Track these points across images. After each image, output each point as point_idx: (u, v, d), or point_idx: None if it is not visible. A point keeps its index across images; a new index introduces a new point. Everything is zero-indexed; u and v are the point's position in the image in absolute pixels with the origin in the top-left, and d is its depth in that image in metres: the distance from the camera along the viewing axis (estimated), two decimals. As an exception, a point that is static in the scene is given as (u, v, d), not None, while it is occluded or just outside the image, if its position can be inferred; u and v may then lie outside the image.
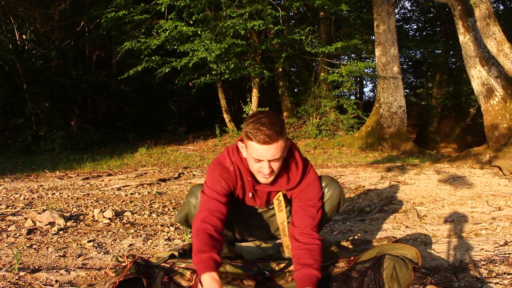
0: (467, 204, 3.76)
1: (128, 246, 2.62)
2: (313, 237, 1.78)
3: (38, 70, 11.73)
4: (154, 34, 9.90)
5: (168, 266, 1.90)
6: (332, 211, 2.00)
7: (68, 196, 4.44)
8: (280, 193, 1.88)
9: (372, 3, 10.54)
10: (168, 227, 3.12)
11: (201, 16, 9.44)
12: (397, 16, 14.81)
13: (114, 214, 3.44)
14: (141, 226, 3.18)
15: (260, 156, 1.67)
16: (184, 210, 2.04)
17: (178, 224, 3.22)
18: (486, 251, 2.36)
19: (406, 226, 3.05)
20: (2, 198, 4.30)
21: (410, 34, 17.04)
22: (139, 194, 4.52)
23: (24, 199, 4.25)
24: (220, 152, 1.93)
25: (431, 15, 16.54)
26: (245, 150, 1.76)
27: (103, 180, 5.65)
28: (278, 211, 1.91)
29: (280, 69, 12.41)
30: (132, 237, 2.82)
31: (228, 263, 1.90)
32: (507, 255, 2.24)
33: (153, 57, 10.21)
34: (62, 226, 3.09)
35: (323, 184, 1.95)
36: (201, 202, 1.81)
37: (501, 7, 15.32)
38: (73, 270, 2.10)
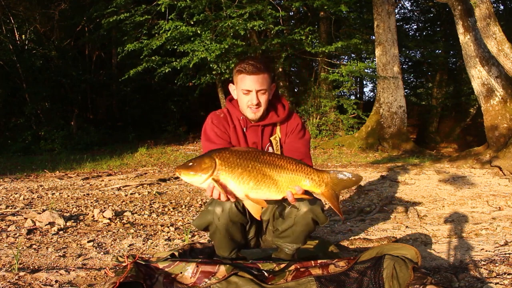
0: (467, 204, 3.76)
1: (128, 246, 2.62)
2: None
3: (38, 70, 11.71)
4: (156, 35, 9.89)
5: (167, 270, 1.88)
6: (308, 228, 1.99)
7: (68, 196, 4.44)
8: (276, 135, 2.07)
9: (372, 3, 10.53)
10: (168, 227, 3.12)
11: (202, 17, 9.43)
12: (397, 16, 14.77)
13: (114, 214, 3.44)
14: (141, 226, 3.18)
15: (249, 86, 1.88)
16: (206, 218, 1.97)
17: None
18: (486, 251, 2.36)
19: (406, 226, 3.05)
20: (2, 198, 4.30)
21: (410, 34, 17.02)
22: (139, 194, 4.52)
23: (24, 199, 4.25)
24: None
25: (431, 15, 16.52)
26: (235, 90, 1.98)
27: (103, 180, 5.65)
28: (276, 150, 2.07)
29: (280, 69, 12.38)
30: (132, 237, 2.81)
31: (228, 264, 1.90)
32: (507, 255, 2.24)
33: (153, 57, 10.19)
34: (62, 226, 3.09)
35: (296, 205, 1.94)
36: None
37: (501, 7, 15.31)
38: (73, 270, 2.10)
